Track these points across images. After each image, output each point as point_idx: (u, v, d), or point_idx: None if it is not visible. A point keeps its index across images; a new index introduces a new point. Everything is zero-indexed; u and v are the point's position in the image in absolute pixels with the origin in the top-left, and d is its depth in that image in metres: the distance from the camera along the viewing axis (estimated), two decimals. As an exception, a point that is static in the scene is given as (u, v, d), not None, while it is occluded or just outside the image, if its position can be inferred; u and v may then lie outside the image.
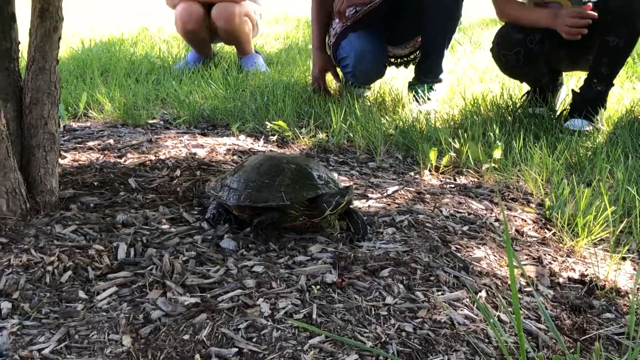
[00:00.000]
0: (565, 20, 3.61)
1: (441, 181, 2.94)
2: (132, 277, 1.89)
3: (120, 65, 5.15)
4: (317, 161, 2.48)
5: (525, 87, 4.28)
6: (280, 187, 2.12)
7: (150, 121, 3.73)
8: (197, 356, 1.59)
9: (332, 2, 4.21)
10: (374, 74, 4.39)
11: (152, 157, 2.86)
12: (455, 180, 2.97)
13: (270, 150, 3.19)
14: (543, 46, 3.84)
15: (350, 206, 2.25)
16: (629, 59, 5.56)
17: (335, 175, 2.32)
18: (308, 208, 2.16)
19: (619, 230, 2.40)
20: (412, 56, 4.55)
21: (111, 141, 3.16)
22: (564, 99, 4.17)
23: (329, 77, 4.50)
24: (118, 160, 2.84)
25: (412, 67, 4.58)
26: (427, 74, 4.36)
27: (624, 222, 2.48)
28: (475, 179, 2.98)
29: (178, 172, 2.67)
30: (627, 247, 2.28)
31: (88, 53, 5.64)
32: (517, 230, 2.44)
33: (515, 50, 3.87)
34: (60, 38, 2.28)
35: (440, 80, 4.42)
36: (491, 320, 1.74)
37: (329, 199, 2.12)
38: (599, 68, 3.72)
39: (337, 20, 4.28)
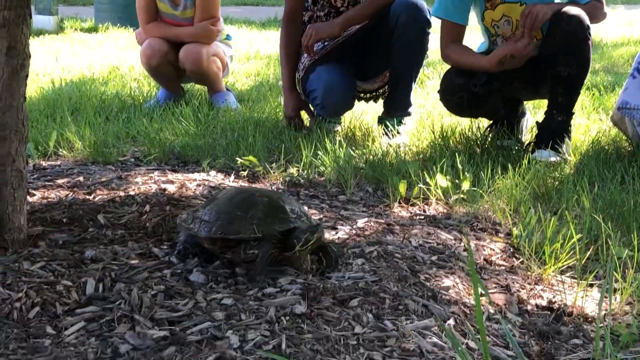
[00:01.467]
0: (493, 56, 3.71)
1: (411, 213, 2.96)
2: (101, 311, 1.88)
3: (90, 104, 5.14)
4: (289, 195, 2.49)
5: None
6: (252, 220, 2.10)
7: (121, 159, 3.73)
8: (166, 390, 1.59)
9: (300, 38, 4.25)
10: (342, 106, 4.42)
11: (122, 194, 2.86)
12: (424, 211, 2.99)
13: (241, 186, 3.19)
14: (490, 86, 3.89)
15: (323, 240, 2.23)
16: (595, 91, 5.66)
17: (306, 209, 2.32)
18: (280, 241, 2.14)
19: (585, 257, 2.43)
20: (381, 91, 4.59)
21: (81, 178, 3.16)
22: (530, 127, 4.23)
23: (304, 114, 4.52)
24: (87, 197, 2.84)
25: (381, 102, 4.62)
26: (396, 108, 4.40)
27: (591, 249, 2.51)
28: (445, 210, 3.01)
29: (147, 208, 2.67)
30: (593, 274, 2.30)
31: (58, 92, 5.63)
32: (485, 260, 2.46)
33: (458, 95, 3.93)
34: (27, 75, 2.29)
35: (409, 114, 4.46)
36: (459, 348, 1.75)
37: (299, 234, 2.11)
38: (557, 99, 3.78)
39: (305, 55, 4.32)
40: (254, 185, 3.25)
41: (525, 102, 4.42)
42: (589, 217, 2.65)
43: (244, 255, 2.14)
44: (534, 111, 4.89)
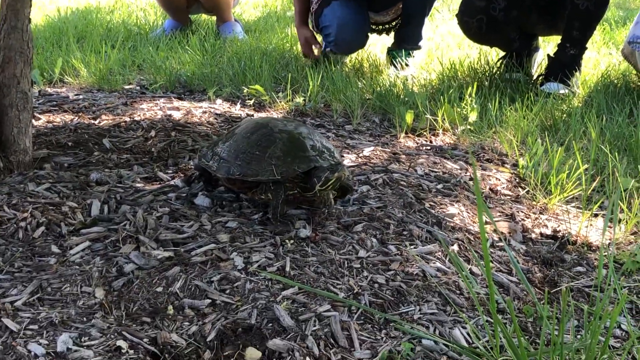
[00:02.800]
0: None
1: (417, 143, 2.95)
2: (106, 232, 1.89)
3: (96, 32, 5.09)
4: (311, 128, 2.30)
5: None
6: (270, 160, 1.99)
7: (127, 86, 3.71)
8: (170, 307, 1.60)
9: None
10: (356, 44, 4.37)
11: (127, 119, 2.85)
12: (431, 142, 2.98)
13: (248, 115, 3.18)
14: (509, 13, 3.84)
15: (344, 179, 2.06)
16: (606, 25, 5.58)
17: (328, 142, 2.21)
18: (302, 180, 2.03)
19: (591, 188, 2.42)
20: (393, 23, 4.53)
21: (86, 104, 3.14)
22: (540, 63, 4.18)
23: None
24: (92, 121, 2.83)
25: (392, 35, 4.57)
26: (407, 41, 4.35)
27: (597, 180, 2.50)
28: (451, 141, 2.99)
29: (153, 133, 2.66)
30: (598, 204, 2.30)
31: (64, 20, 5.58)
32: (491, 189, 2.46)
33: (477, 17, 3.88)
34: (31, -4, 2.26)
35: (419, 47, 4.41)
36: (463, 273, 1.76)
37: (319, 174, 1.97)
38: (571, 32, 3.73)
39: None
40: (260, 115, 3.23)
41: (540, 39, 4.36)
42: (595, 149, 2.63)
43: (260, 197, 2.04)
44: (546, 45, 4.82)
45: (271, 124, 2.11)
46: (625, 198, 2.34)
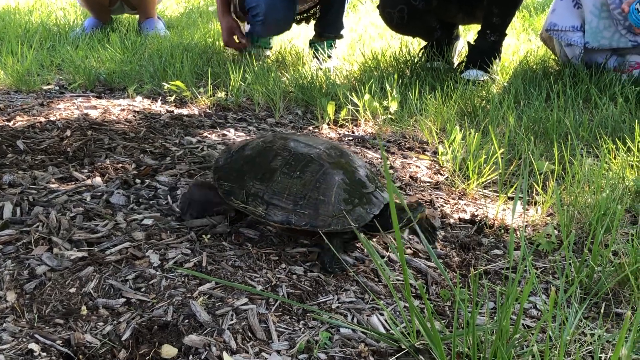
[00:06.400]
0: None
1: (339, 134, 2.95)
2: (17, 234, 1.84)
3: (13, 33, 4.97)
4: (350, 152, 2.00)
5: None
6: (339, 205, 1.77)
7: (45, 87, 3.62)
8: (84, 308, 1.57)
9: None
10: (284, 23, 4.35)
11: (43, 119, 2.79)
12: (353, 132, 2.99)
13: (168, 111, 3.13)
14: (429, 3, 3.89)
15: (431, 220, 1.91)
16: (525, 12, 5.68)
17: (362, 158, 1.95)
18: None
19: (509, 172, 2.46)
20: (312, 11, 4.52)
21: (1, 106, 3.06)
22: (461, 51, 4.23)
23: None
24: (6, 123, 2.75)
25: (312, 26, 4.56)
26: (328, 30, 4.35)
27: (514, 163, 2.54)
28: (373, 131, 3.01)
29: (68, 133, 2.61)
30: (514, 187, 2.33)
31: (-20, 22, 5.44)
32: (410, 177, 2.48)
33: (398, 8, 3.92)
34: None
35: (341, 36, 4.42)
36: (378, 262, 1.76)
37: (401, 215, 1.78)
38: (491, 19, 3.79)
39: None
40: (181, 111, 3.19)
41: (461, 28, 4.42)
42: (511, 133, 2.67)
43: (318, 242, 1.83)
44: (467, 34, 4.89)
45: (314, 154, 1.85)
46: (541, 181, 2.38)
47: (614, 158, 2.53)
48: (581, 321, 1.64)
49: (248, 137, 2.76)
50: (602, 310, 1.68)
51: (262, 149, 1.91)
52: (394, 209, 1.35)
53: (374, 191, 1.84)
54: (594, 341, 1.54)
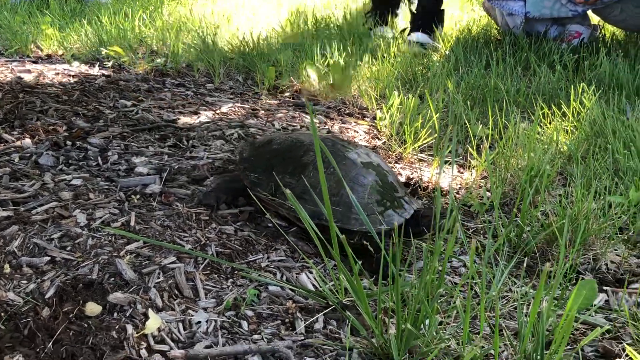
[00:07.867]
0: None
1: (280, 100, 2.94)
2: (-61, 195, 1.80)
3: (-51, -2, 4.85)
4: (381, 157, 1.97)
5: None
6: (372, 206, 1.73)
7: (-20, 52, 3.54)
8: (7, 266, 1.54)
9: None
10: None
11: (-27, 83, 2.73)
12: (293, 98, 2.97)
13: (105, 76, 3.07)
14: None
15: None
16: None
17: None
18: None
19: (445, 137, 2.47)
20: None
21: None
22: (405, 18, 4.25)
23: None
24: None
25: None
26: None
27: (450, 128, 2.55)
28: (313, 97, 2.99)
29: (0, 95, 2.55)
30: (448, 149, 2.34)
31: None
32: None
33: None
34: None
35: None
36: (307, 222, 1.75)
37: (427, 222, 1.75)
38: None
39: None
40: (118, 76, 3.13)
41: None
42: (447, 98, 2.68)
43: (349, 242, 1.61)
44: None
45: (348, 153, 1.82)
46: (477, 146, 2.39)
47: (549, 123, 2.55)
48: (509, 278, 1.66)
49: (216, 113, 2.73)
50: (524, 266, 1.70)
51: (291, 145, 1.86)
52: (320, 159, 1.33)
53: (404, 196, 1.79)
54: (520, 297, 1.56)
